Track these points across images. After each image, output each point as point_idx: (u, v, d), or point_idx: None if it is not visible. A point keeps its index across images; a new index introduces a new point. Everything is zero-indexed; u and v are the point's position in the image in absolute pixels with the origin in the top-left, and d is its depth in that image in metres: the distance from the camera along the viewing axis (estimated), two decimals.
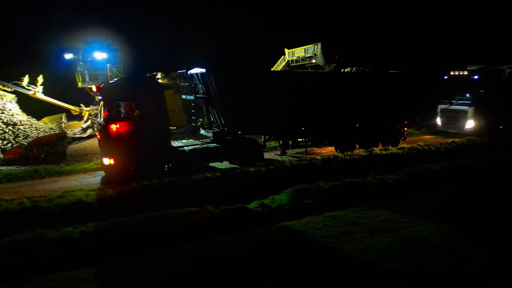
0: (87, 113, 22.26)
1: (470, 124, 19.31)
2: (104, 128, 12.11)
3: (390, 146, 16.11)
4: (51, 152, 16.76)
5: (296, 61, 19.97)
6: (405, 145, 16.66)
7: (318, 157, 14.77)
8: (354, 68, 16.96)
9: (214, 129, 14.53)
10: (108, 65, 20.78)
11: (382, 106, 16.23)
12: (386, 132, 16.86)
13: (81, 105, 22.68)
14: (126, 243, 7.78)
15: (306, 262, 6.68)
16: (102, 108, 12.37)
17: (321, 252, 7.17)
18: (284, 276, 6.20)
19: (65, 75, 21.19)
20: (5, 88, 20.82)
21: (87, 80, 21.27)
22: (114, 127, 11.97)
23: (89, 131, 21.33)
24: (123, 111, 12.41)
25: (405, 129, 17.51)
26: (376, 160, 14.57)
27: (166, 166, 13.36)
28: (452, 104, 20.12)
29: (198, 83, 14.75)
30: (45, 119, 22.90)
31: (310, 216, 9.25)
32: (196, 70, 14.45)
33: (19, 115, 20.17)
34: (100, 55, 20.63)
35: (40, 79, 21.50)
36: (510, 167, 13.03)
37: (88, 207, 10.24)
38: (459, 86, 19.89)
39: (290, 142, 15.79)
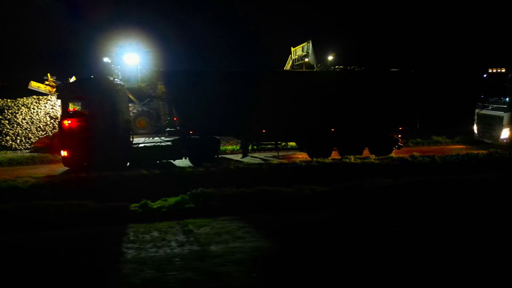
0: None
1: (505, 133, 15.69)
2: (58, 124, 13.49)
3: (373, 156, 14.28)
4: None
5: (298, 59, 18.81)
6: (393, 155, 14.62)
7: (275, 161, 13.90)
8: (340, 67, 15.27)
9: (170, 128, 14.79)
10: (138, 67, 22.53)
11: (365, 110, 14.35)
12: (371, 138, 14.84)
13: None
14: None
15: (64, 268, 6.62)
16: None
17: (96, 258, 6.94)
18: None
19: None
20: None
21: None
22: (66, 122, 13.24)
23: None
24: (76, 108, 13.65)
25: (399, 136, 15.05)
26: (338, 169, 13.19)
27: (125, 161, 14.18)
28: (486, 108, 16.63)
29: None
30: None
31: (170, 221, 9.01)
32: None
33: None
34: (131, 58, 22.48)
35: None
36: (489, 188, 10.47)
37: (20, 192, 11.73)
38: (497, 86, 16.35)
39: (250, 148, 14.94)
